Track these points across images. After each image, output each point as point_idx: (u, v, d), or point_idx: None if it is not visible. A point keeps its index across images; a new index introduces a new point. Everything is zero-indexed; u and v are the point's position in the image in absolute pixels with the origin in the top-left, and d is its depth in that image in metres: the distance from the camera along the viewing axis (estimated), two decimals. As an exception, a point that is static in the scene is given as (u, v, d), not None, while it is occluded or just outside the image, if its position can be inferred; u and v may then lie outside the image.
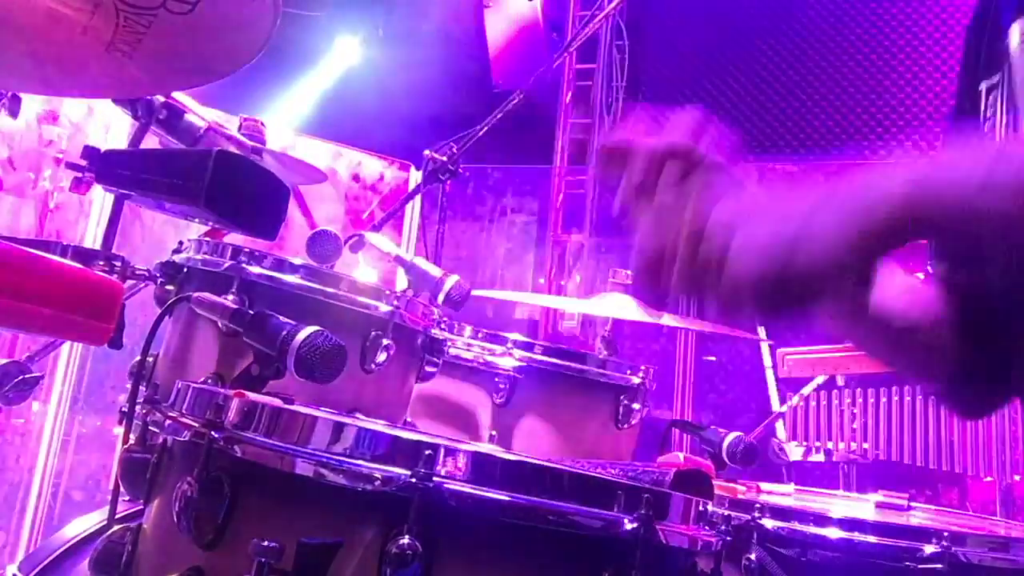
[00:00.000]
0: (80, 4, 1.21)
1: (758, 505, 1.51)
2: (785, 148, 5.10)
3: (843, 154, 4.92)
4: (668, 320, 2.55)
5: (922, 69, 4.92)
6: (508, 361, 2.08)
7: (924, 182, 0.71)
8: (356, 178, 5.12)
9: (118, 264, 1.67)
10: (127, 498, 1.46)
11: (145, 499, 1.14)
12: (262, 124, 2.55)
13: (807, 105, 5.10)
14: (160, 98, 1.85)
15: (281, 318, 1.43)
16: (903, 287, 1.20)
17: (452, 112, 4.96)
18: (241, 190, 1.66)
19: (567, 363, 2.13)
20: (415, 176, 5.06)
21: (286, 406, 1.03)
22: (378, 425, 1.20)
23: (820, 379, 3.35)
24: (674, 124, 1.19)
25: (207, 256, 1.70)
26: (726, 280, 0.72)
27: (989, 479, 3.21)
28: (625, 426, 2.16)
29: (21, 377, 1.79)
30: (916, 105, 4.91)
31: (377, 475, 0.89)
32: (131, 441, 1.32)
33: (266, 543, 0.88)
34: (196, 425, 1.00)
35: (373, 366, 1.69)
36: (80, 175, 1.67)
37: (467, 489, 0.89)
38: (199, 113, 1.95)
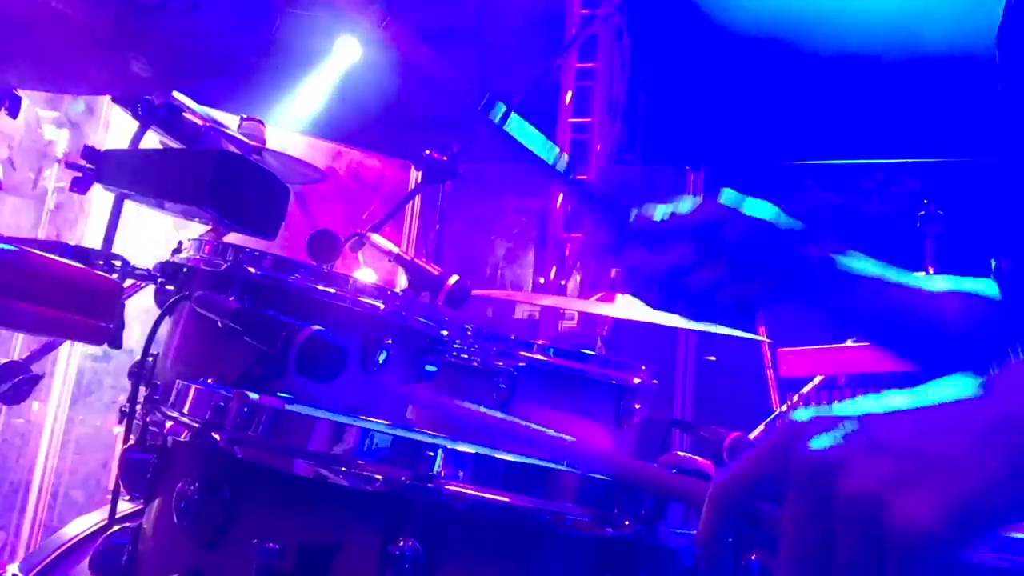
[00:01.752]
0: (81, 3, 1.21)
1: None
2: (784, 151, 5.10)
3: (842, 158, 4.93)
4: (668, 320, 2.55)
5: (920, 73, 4.92)
6: (508, 361, 2.07)
7: None
8: (356, 178, 5.12)
9: (118, 264, 1.67)
10: (127, 498, 1.46)
11: (145, 499, 1.14)
12: (262, 124, 2.55)
13: (809, 107, 5.10)
14: (160, 98, 1.85)
15: (281, 318, 1.43)
16: None
17: (452, 112, 4.96)
18: (241, 190, 1.66)
19: (567, 363, 2.13)
20: (415, 176, 5.06)
21: (286, 407, 1.03)
22: (379, 426, 1.20)
23: (820, 379, 3.35)
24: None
25: (207, 256, 1.70)
26: None
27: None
28: (625, 426, 2.16)
29: (21, 377, 1.79)
30: (913, 110, 4.91)
31: (378, 476, 0.89)
32: (131, 441, 1.32)
33: (266, 544, 0.88)
34: (196, 425, 1.00)
35: (373, 366, 1.69)
36: (80, 175, 1.67)
37: (468, 490, 0.89)
38: (199, 113, 1.95)
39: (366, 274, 2.25)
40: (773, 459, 0.61)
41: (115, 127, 3.94)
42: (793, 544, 0.59)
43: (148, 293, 1.78)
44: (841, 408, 0.61)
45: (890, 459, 0.57)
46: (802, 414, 0.62)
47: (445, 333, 1.95)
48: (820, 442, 0.59)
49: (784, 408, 3.43)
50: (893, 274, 1.23)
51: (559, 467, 0.95)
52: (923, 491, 0.55)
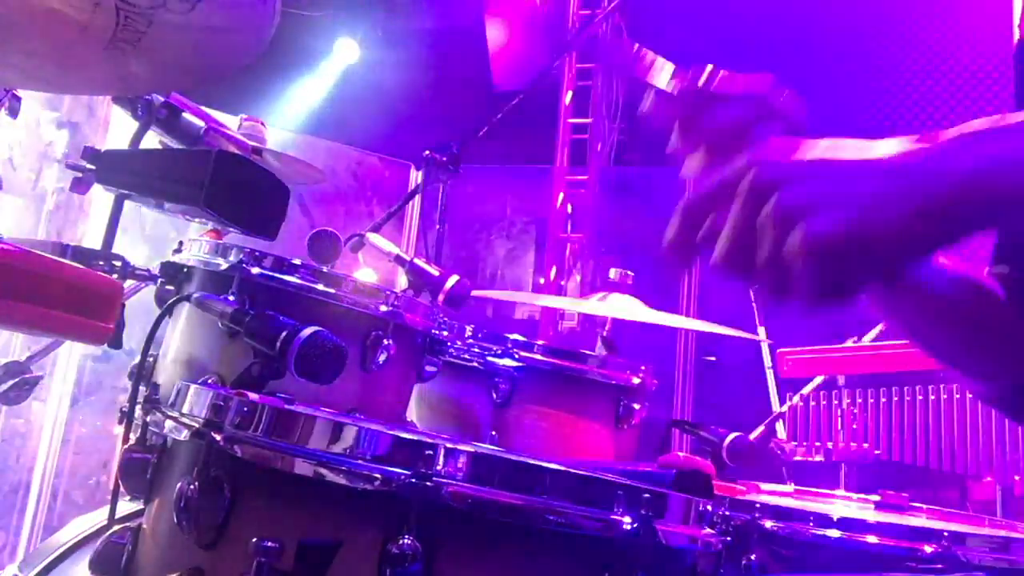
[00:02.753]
0: (80, 3, 1.21)
1: (758, 505, 1.50)
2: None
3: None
4: (668, 320, 2.55)
5: (930, 63, 4.92)
6: (508, 361, 2.07)
7: (992, 159, 0.68)
8: (356, 178, 5.12)
9: (118, 264, 1.67)
10: (127, 498, 1.46)
11: (145, 499, 1.14)
12: (262, 124, 2.56)
13: (808, 107, 5.09)
14: (160, 98, 1.85)
15: (281, 318, 1.43)
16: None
17: (452, 112, 4.96)
18: (241, 190, 1.66)
19: (567, 363, 2.13)
20: (415, 176, 5.06)
21: (286, 406, 1.03)
22: (378, 425, 1.20)
23: (820, 379, 3.35)
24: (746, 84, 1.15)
25: (207, 256, 1.70)
26: (801, 246, 0.67)
27: (989, 479, 3.21)
28: (625, 426, 2.16)
29: (21, 377, 1.79)
30: (913, 110, 4.91)
31: (377, 475, 0.89)
32: (131, 441, 1.32)
33: (266, 543, 0.88)
34: (196, 425, 1.00)
35: (373, 366, 1.69)
36: (80, 175, 1.67)
37: (467, 489, 0.89)
38: (199, 113, 1.96)
39: (366, 274, 2.25)
40: (733, 175, 0.74)
41: (115, 127, 3.93)
42: (729, 236, 0.72)
43: (148, 293, 1.79)
44: (804, 146, 0.75)
45: (821, 184, 0.70)
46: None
47: (445, 333, 1.95)
48: (769, 169, 0.72)
49: (784, 408, 3.43)
50: None
51: (558, 467, 0.95)
52: (840, 212, 0.68)
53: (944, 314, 1.17)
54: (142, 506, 1.16)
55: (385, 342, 1.70)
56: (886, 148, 0.73)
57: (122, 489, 1.21)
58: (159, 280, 1.73)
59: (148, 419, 1.14)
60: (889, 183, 0.70)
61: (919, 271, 1.13)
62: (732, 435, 2.06)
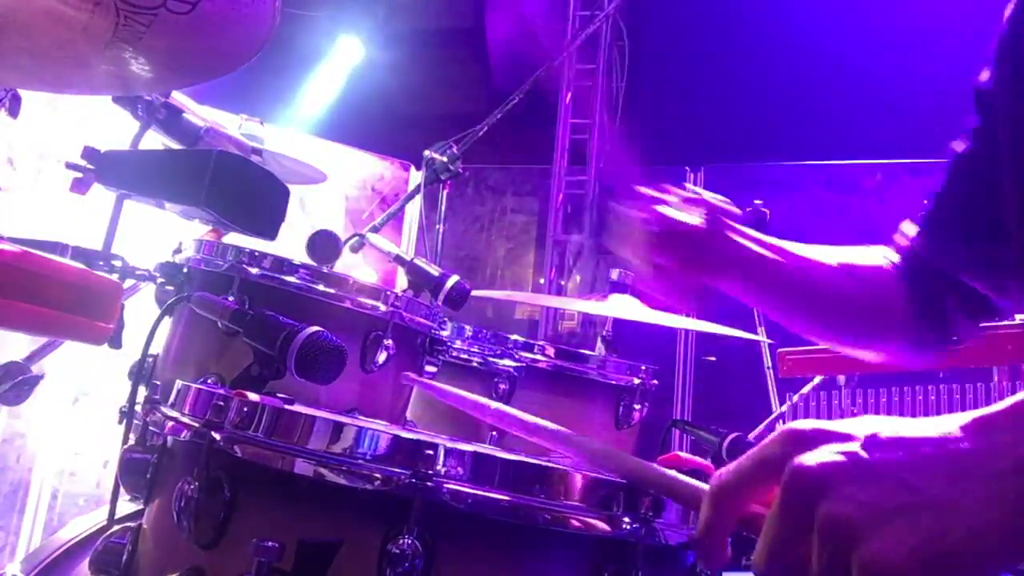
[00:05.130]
0: (80, 3, 1.21)
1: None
2: (784, 151, 5.10)
3: (842, 158, 4.93)
4: (668, 320, 2.55)
5: (919, 73, 4.93)
6: (508, 361, 2.07)
7: None
8: (356, 178, 5.12)
9: (118, 264, 1.67)
10: (127, 498, 1.46)
11: (145, 499, 1.14)
12: (261, 123, 2.56)
13: (807, 108, 5.10)
14: (160, 98, 1.86)
15: (281, 318, 1.43)
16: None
17: (452, 112, 4.97)
18: (241, 190, 1.67)
19: (567, 363, 2.13)
20: (415, 176, 5.06)
21: (286, 406, 1.03)
22: (378, 425, 1.20)
23: (820, 379, 3.36)
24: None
25: (207, 256, 1.70)
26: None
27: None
28: (625, 426, 2.16)
29: (21, 377, 1.79)
30: (913, 110, 4.91)
31: (377, 475, 0.89)
32: (131, 441, 1.32)
33: (266, 543, 0.88)
34: (196, 425, 1.00)
35: (373, 366, 1.69)
36: (80, 175, 1.67)
37: (467, 489, 0.89)
38: (199, 113, 1.96)
39: (366, 274, 2.25)
40: (770, 463, 0.61)
41: (115, 127, 3.93)
42: (769, 548, 0.59)
43: (148, 293, 1.78)
44: (846, 426, 0.60)
45: (876, 489, 0.56)
46: (806, 424, 0.62)
47: (445, 333, 1.95)
48: (814, 456, 0.58)
49: (783, 408, 3.43)
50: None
51: (558, 466, 0.95)
52: (902, 527, 0.54)
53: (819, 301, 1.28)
54: (142, 506, 1.16)
55: (385, 342, 1.70)
56: (948, 426, 0.58)
57: (122, 489, 1.21)
58: (159, 280, 1.73)
59: (148, 419, 1.14)
60: (974, 473, 0.55)
61: None
62: (732, 435, 2.06)
